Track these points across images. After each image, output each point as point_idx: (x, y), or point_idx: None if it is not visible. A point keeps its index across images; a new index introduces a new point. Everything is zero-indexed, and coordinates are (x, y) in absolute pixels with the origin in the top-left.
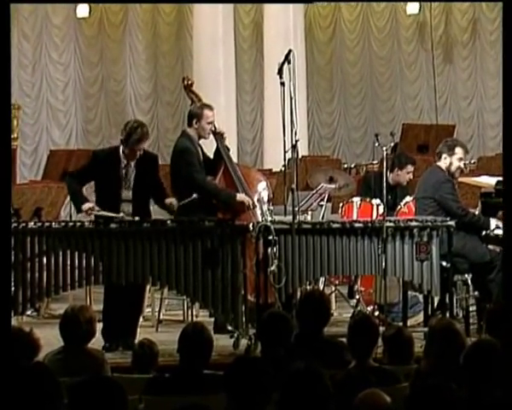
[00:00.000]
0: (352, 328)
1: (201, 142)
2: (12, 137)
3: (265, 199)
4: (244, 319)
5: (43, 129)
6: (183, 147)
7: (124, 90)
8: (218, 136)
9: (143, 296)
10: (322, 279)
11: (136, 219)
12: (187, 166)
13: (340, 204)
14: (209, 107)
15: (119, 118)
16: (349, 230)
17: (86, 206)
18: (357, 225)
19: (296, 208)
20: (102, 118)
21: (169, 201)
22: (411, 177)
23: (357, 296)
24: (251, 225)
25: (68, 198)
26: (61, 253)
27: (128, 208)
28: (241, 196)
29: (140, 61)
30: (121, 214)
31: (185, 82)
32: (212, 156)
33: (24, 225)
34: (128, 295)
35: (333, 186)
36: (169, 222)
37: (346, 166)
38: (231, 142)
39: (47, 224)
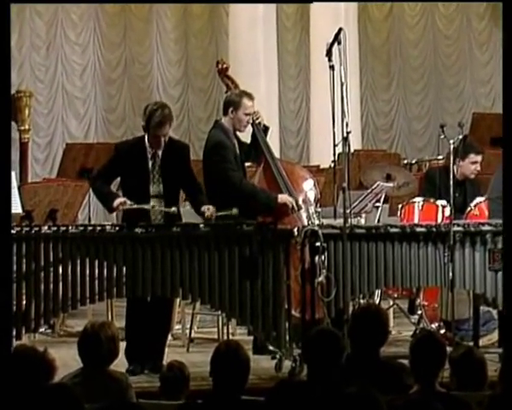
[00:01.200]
0: (413, 348)
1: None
2: (23, 128)
3: (312, 200)
4: (288, 337)
5: (58, 119)
6: (216, 140)
7: (150, 75)
8: (257, 126)
9: (172, 312)
10: (378, 292)
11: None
12: (221, 162)
13: (400, 205)
14: (249, 96)
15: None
16: (410, 235)
17: (117, 201)
18: (419, 229)
19: (348, 210)
20: (126, 106)
21: (205, 208)
22: (478, 168)
23: (420, 312)
24: (295, 230)
25: (87, 199)
26: (78, 261)
27: (159, 205)
28: (283, 198)
29: (168, 41)
30: (151, 204)
31: (220, 66)
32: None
33: (37, 229)
34: (155, 310)
35: (390, 185)
36: (202, 226)
37: (405, 161)
38: (272, 134)
39: (63, 228)
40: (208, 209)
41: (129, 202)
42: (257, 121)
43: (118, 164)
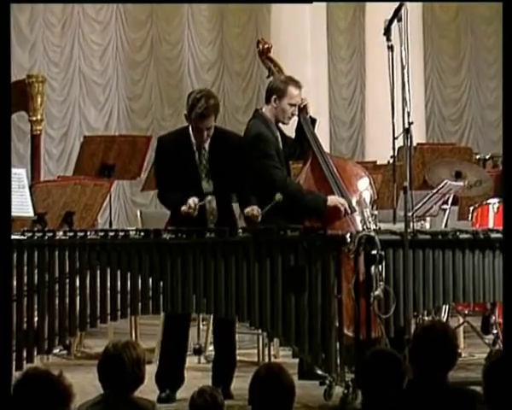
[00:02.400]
0: (487, 373)
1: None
2: (35, 119)
3: (367, 201)
4: (339, 360)
5: (74, 108)
6: (256, 132)
7: (180, 57)
8: (303, 113)
9: (234, 329)
10: (445, 308)
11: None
12: (261, 158)
13: (471, 208)
14: (296, 83)
15: (174, 93)
16: (483, 242)
17: (191, 203)
18: (494, 235)
19: (410, 213)
20: (152, 93)
21: (249, 209)
22: None
23: (495, 331)
24: (348, 236)
25: (107, 200)
26: (98, 272)
27: (212, 203)
28: (333, 200)
29: (201, 18)
30: (209, 197)
31: (260, 46)
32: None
33: (50, 235)
34: (187, 328)
35: (460, 184)
36: (240, 232)
37: (478, 157)
38: (321, 126)
39: (80, 233)
40: (252, 209)
41: (196, 199)
42: (302, 105)
43: (165, 160)
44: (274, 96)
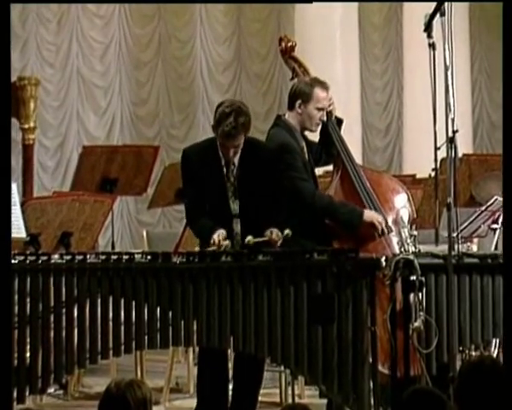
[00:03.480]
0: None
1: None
2: (27, 127)
3: (406, 220)
4: (373, 401)
5: (72, 115)
6: (278, 142)
7: (191, 57)
8: (330, 117)
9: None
10: (495, 341)
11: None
12: (287, 170)
13: None
14: (322, 85)
15: (185, 97)
16: None
17: (217, 236)
18: None
19: (454, 234)
20: (160, 98)
21: (268, 232)
22: None
23: None
24: (383, 260)
25: (109, 218)
26: (99, 301)
27: (236, 228)
28: (370, 215)
29: (216, 12)
30: (226, 242)
31: (283, 44)
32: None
33: (45, 259)
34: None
35: None
36: (260, 256)
37: None
38: (353, 133)
39: (79, 257)
40: (271, 233)
41: (222, 234)
42: (328, 109)
43: (192, 176)
44: (298, 101)
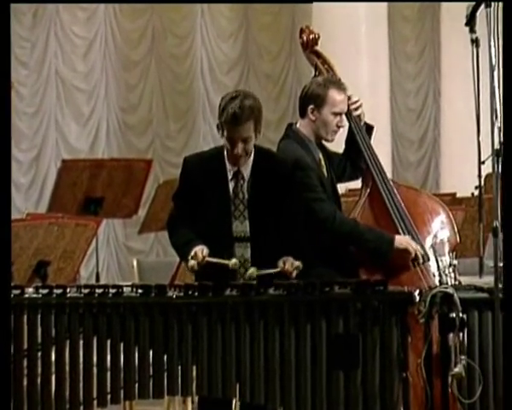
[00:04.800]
0: None
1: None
2: None
3: (445, 246)
4: None
5: (49, 123)
6: (291, 156)
7: (190, 55)
8: (355, 121)
9: None
10: None
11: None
12: (300, 191)
13: None
14: (338, 85)
15: (182, 103)
16: None
17: (198, 250)
18: None
19: (501, 264)
20: (153, 103)
21: (281, 262)
22: None
23: None
24: (417, 293)
25: (94, 244)
26: (81, 342)
27: (244, 253)
28: (402, 241)
29: (219, 5)
30: (234, 260)
31: (304, 37)
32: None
33: (17, 292)
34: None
35: None
36: (271, 289)
37: None
38: (381, 145)
39: (58, 290)
40: (284, 262)
41: (206, 250)
42: (355, 113)
43: (191, 187)
44: (311, 106)
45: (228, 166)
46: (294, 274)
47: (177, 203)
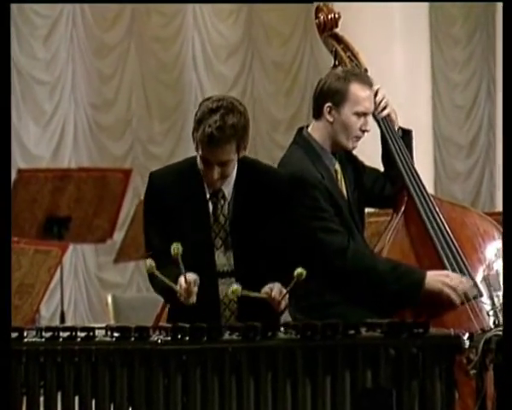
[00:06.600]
0: None
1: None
2: None
3: (501, 278)
4: None
5: None
6: (292, 172)
7: (180, 38)
8: (387, 124)
9: None
10: None
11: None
12: (305, 216)
13: None
14: (362, 78)
15: (170, 98)
16: None
17: (187, 280)
18: None
19: None
20: (133, 98)
21: (268, 288)
22: None
23: None
24: (467, 337)
25: (58, 275)
26: (42, 399)
27: (228, 292)
28: (436, 280)
29: None
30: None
31: (321, 17)
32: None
33: None
34: None
35: None
36: (281, 332)
37: None
38: (421, 151)
39: (13, 334)
40: (271, 288)
41: (193, 276)
42: (382, 114)
43: (161, 211)
44: (328, 104)
45: (205, 183)
46: (283, 305)
47: (150, 241)
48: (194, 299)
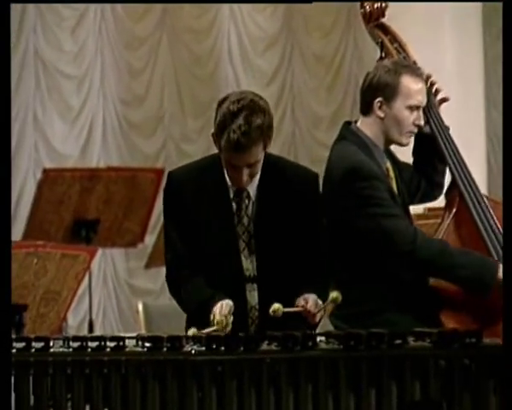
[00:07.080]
0: None
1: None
2: None
3: None
4: None
5: (26, 119)
6: (350, 164)
7: (215, 30)
8: (435, 116)
9: None
10: None
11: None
12: (367, 205)
13: None
14: (412, 70)
15: (204, 93)
16: None
17: (219, 308)
18: None
19: None
20: (165, 93)
21: (303, 300)
22: None
23: None
24: None
25: (86, 280)
26: None
27: (251, 299)
28: None
29: None
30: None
31: (367, 7)
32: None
33: None
34: None
35: None
36: (323, 341)
37: None
38: (473, 150)
39: (38, 344)
40: (306, 301)
41: (228, 305)
42: (437, 98)
43: (182, 214)
44: (378, 99)
45: (228, 181)
46: (318, 318)
47: (171, 244)
48: (229, 328)
